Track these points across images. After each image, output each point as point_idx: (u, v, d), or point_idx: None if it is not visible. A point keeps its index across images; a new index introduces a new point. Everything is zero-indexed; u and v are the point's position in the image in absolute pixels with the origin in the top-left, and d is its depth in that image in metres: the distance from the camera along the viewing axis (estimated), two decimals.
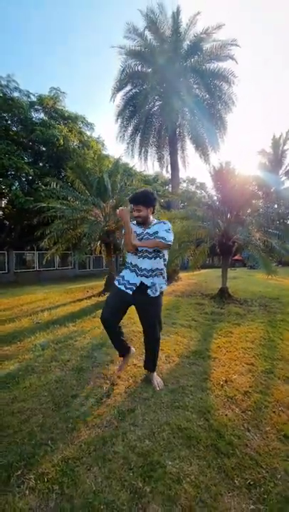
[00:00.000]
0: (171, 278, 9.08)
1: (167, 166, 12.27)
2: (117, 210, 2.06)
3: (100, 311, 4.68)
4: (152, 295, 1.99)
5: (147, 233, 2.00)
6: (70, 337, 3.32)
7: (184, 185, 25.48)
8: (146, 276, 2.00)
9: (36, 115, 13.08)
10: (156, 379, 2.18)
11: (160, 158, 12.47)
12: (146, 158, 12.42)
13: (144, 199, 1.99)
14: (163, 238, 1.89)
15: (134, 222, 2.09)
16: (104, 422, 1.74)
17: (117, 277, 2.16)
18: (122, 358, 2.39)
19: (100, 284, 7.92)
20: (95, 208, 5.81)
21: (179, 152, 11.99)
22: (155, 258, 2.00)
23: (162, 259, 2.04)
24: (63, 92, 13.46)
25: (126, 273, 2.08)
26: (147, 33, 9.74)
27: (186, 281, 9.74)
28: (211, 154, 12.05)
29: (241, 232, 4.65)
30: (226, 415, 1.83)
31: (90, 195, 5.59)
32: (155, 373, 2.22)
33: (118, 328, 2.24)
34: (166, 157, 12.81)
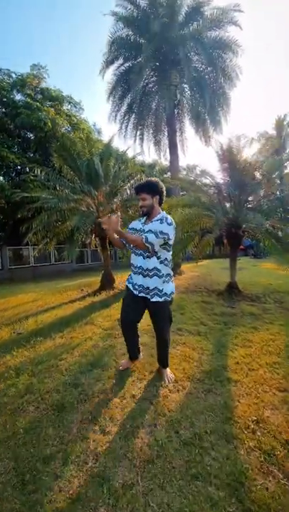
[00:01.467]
0: (173, 272, 8.47)
1: (165, 151, 11.42)
2: (103, 220, 1.90)
3: (94, 314, 3.94)
4: (154, 300, 1.98)
5: (143, 230, 1.96)
6: (54, 354, 2.72)
7: (184, 173, 24.34)
8: (144, 276, 1.99)
9: (19, 97, 11.97)
10: (168, 374, 2.17)
11: (157, 143, 11.57)
12: (141, 142, 11.52)
13: (148, 186, 1.97)
14: (145, 237, 1.85)
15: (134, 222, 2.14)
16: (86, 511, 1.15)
17: (127, 279, 2.17)
18: (128, 360, 2.35)
19: (96, 280, 7.31)
20: (86, 196, 5.10)
21: (178, 135, 11.07)
22: (149, 257, 1.96)
23: (158, 259, 1.95)
24: (46, 68, 12.31)
25: (132, 274, 2.10)
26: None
27: (188, 274, 9.13)
28: (212, 136, 11.20)
29: (253, 220, 3.97)
30: (267, 489, 1.24)
31: (80, 183, 4.85)
32: (168, 369, 2.22)
33: (135, 330, 2.22)
34: (164, 141, 11.90)
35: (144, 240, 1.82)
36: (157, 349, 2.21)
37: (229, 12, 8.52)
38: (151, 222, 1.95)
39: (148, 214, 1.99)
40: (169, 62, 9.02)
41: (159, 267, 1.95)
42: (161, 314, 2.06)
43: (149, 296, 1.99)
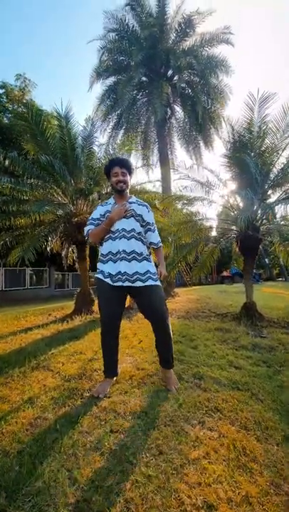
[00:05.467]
0: (166, 292, 7.09)
1: (155, 164, 10.84)
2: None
3: (55, 350, 2.65)
4: (148, 283, 1.70)
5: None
6: None
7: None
8: (128, 260, 1.71)
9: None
10: (172, 379, 1.78)
11: (146, 158, 11.05)
12: (129, 157, 10.94)
13: (129, 164, 1.87)
14: (158, 243, 1.90)
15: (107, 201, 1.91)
16: None
17: (98, 271, 1.79)
18: (105, 380, 1.76)
19: (71, 304, 5.73)
20: (55, 185, 3.75)
21: (169, 153, 10.59)
22: (137, 239, 1.76)
23: (143, 243, 1.80)
24: (32, 81, 11.97)
25: (110, 266, 1.74)
26: (129, 16, 8.57)
27: (184, 297, 7.77)
28: (204, 154, 10.87)
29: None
30: None
31: (49, 160, 3.51)
32: (172, 370, 1.82)
33: (118, 332, 1.81)
34: (153, 158, 11.46)
35: (159, 246, 1.91)
36: (160, 348, 1.80)
37: (219, 35, 8.65)
38: (130, 202, 1.84)
39: (122, 192, 1.83)
40: (160, 75, 8.79)
41: (146, 252, 1.80)
42: (160, 299, 1.76)
43: (139, 283, 1.68)
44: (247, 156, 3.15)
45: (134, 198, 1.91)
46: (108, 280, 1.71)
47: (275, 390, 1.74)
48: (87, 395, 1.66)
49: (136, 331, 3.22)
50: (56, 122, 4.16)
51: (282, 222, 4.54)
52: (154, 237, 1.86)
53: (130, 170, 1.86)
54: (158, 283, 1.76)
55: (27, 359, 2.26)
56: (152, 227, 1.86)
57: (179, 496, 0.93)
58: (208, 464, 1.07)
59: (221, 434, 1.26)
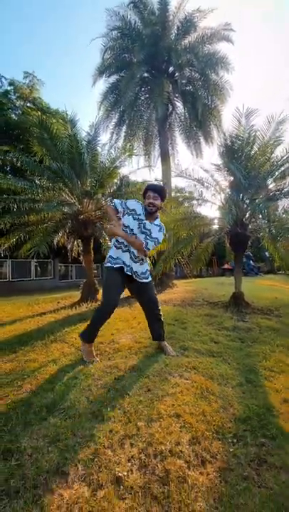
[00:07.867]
0: (165, 284, 7.60)
1: (156, 163, 11.12)
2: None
3: (68, 329, 3.13)
4: (146, 280, 2.23)
5: (144, 225, 2.12)
6: None
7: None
8: (134, 262, 2.13)
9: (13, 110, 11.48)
10: (168, 346, 2.32)
11: (148, 153, 11.31)
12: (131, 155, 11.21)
13: (163, 191, 2.20)
14: (146, 244, 2.07)
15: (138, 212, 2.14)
16: None
17: (108, 258, 2.17)
18: (88, 345, 2.17)
19: (76, 293, 6.26)
20: (64, 186, 4.20)
21: (169, 149, 10.86)
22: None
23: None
24: (39, 79, 12.19)
25: (119, 253, 2.13)
26: (131, 13, 8.70)
27: (182, 287, 8.26)
28: (204, 150, 11.10)
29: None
30: None
31: (59, 166, 3.96)
32: (165, 341, 2.36)
33: (110, 316, 2.16)
34: (155, 153, 11.72)
35: (144, 245, 2.05)
36: (155, 326, 2.33)
37: (220, 32, 8.76)
38: (153, 223, 2.15)
39: (151, 213, 2.13)
40: (161, 72, 8.97)
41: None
42: (154, 292, 2.35)
43: (138, 279, 2.17)
44: (234, 163, 3.54)
45: (157, 221, 2.20)
46: (126, 270, 2.08)
47: (242, 357, 2.24)
48: (96, 359, 2.16)
49: (136, 316, 3.72)
50: (64, 130, 4.55)
51: (284, 216, 4.93)
52: (148, 245, 2.09)
53: (162, 196, 2.16)
54: (149, 279, 2.26)
55: (46, 335, 2.78)
56: (152, 240, 2.09)
57: (158, 410, 1.43)
58: (181, 395, 1.57)
59: (193, 381, 1.76)
